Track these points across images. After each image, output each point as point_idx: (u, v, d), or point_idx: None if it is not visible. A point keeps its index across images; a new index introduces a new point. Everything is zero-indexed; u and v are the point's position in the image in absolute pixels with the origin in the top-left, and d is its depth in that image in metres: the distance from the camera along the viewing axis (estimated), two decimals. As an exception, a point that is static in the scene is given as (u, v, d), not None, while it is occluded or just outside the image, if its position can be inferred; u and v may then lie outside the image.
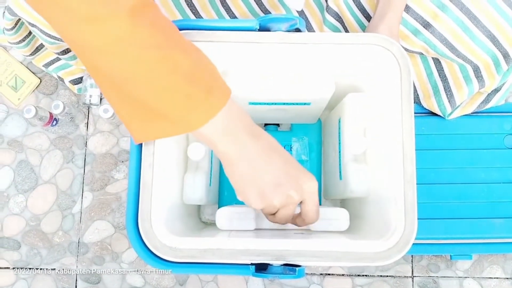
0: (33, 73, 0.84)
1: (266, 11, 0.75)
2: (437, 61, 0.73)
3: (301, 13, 0.75)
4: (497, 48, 0.66)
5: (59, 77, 0.81)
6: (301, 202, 0.51)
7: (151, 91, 0.42)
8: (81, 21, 0.39)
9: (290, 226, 0.60)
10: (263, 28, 0.53)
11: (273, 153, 0.48)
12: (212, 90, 0.44)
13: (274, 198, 0.48)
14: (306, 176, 0.49)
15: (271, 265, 0.49)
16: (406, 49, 0.69)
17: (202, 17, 0.74)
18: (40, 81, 0.84)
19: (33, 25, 0.64)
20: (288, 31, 0.53)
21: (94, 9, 0.38)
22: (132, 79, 0.42)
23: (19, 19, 0.69)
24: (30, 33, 0.73)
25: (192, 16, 0.74)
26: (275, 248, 0.48)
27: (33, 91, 0.84)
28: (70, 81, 0.81)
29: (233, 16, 0.75)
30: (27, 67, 0.84)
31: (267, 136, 0.49)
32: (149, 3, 0.42)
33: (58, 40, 0.66)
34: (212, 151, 0.68)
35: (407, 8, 0.66)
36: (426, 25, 0.66)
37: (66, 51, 0.74)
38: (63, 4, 0.38)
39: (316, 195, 0.50)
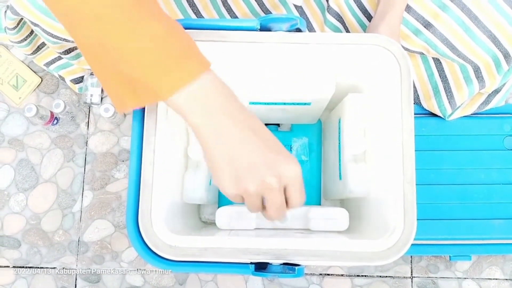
0: (34, 72, 0.84)
1: (267, 11, 0.75)
2: (437, 62, 0.74)
3: (302, 13, 0.75)
4: (498, 48, 0.66)
5: (60, 76, 0.81)
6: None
7: (124, 58, 0.43)
8: None
9: (290, 225, 0.61)
10: (264, 28, 0.53)
11: (252, 135, 0.44)
12: (185, 59, 0.43)
13: (248, 184, 0.44)
14: (286, 159, 0.45)
15: (271, 264, 0.49)
16: (406, 49, 0.69)
17: (203, 17, 0.74)
18: (41, 80, 0.84)
19: (36, 25, 0.64)
20: (289, 31, 0.53)
21: None
22: (108, 46, 0.42)
23: (21, 19, 0.69)
24: (31, 32, 0.73)
25: (194, 16, 0.74)
26: (274, 247, 0.49)
27: (34, 90, 0.84)
28: (71, 80, 0.81)
29: (234, 16, 0.76)
30: (28, 66, 0.85)
31: (249, 116, 0.45)
32: None
33: (61, 40, 0.66)
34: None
35: (408, 8, 0.66)
36: (427, 25, 0.66)
37: (69, 50, 0.74)
38: None
39: (297, 180, 0.46)
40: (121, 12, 0.41)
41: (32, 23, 0.65)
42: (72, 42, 0.67)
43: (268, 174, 0.44)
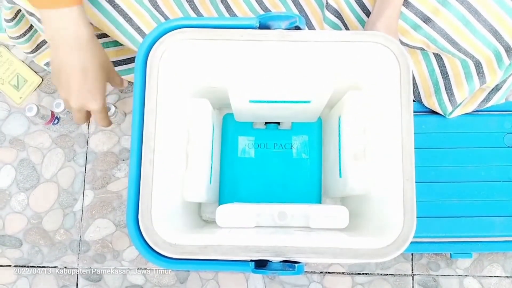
0: (35, 72, 0.85)
1: (266, 10, 0.75)
2: (439, 58, 0.73)
3: (301, 10, 0.75)
4: (499, 42, 0.66)
5: (60, 75, 0.82)
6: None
7: None
8: None
9: (290, 223, 0.61)
10: (263, 26, 0.53)
11: (78, 71, 0.62)
12: None
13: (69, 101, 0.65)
14: (94, 97, 0.64)
15: (271, 261, 0.49)
16: (406, 45, 0.69)
17: (202, 16, 0.74)
18: (42, 80, 0.85)
19: (31, 14, 0.65)
20: (288, 29, 0.53)
21: None
22: None
23: (19, 11, 0.69)
24: (31, 27, 0.73)
25: (193, 14, 0.74)
26: (274, 244, 0.49)
27: (35, 90, 0.84)
28: (71, 80, 0.82)
29: (233, 14, 0.76)
30: (29, 66, 0.85)
31: (84, 56, 0.61)
32: None
33: None
34: (212, 149, 0.68)
35: (407, 3, 0.66)
36: (426, 20, 0.66)
37: None
38: None
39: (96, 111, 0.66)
40: None
41: (27, 12, 0.65)
42: None
43: (73, 99, 0.64)
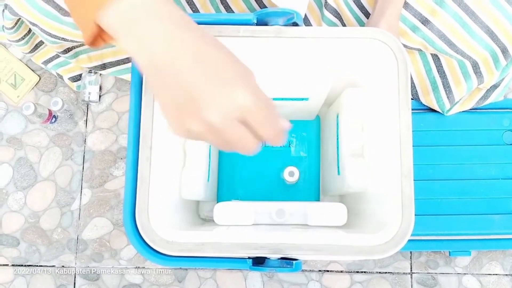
0: (33, 70, 0.84)
1: (263, 7, 0.75)
2: (435, 57, 0.73)
3: (299, 8, 0.75)
4: (496, 44, 0.66)
5: (58, 74, 0.81)
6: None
7: None
8: None
9: (288, 221, 0.61)
10: (260, 22, 0.53)
11: (191, 61, 0.37)
12: None
13: (190, 124, 0.38)
14: (233, 88, 0.37)
15: (268, 258, 0.49)
16: (405, 46, 0.69)
17: (199, 12, 0.74)
18: (40, 79, 0.84)
19: (34, 25, 0.64)
20: (286, 25, 0.53)
21: None
22: None
23: (19, 18, 0.69)
24: (29, 31, 0.73)
25: (190, 11, 0.74)
26: (272, 241, 0.48)
27: (33, 88, 0.84)
28: (69, 78, 0.81)
29: (231, 12, 0.75)
30: (26, 65, 0.84)
31: (192, 36, 0.38)
32: None
33: (60, 39, 0.66)
34: (210, 147, 0.68)
35: (406, 5, 0.66)
36: (425, 21, 0.66)
37: (67, 50, 0.74)
38: None
39: (254, 109, 0.38)
40: None
41: (30, 23, 0.64)
42: (71, 41, 0.67)
43: (209, 110, 0.37)
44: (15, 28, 0.70)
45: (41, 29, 0.65)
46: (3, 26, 0.69)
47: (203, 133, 0.38)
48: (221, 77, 0.38)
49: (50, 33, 0.65)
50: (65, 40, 0.66)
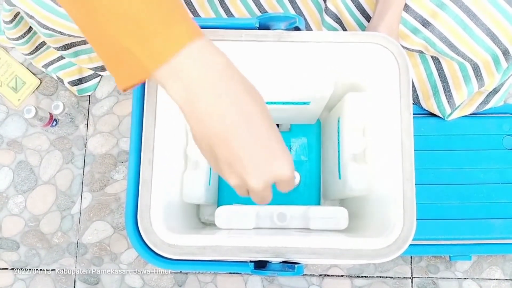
0: (34, 74, 0.84)
1: (264, 12, 0.75)
2: (436, 61, 0.74)
3: (300, 13, 0.76)
4: (497, 45, 0.66)
5: (58, 77, 0.81)
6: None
7: (110, 21, 0.38)
8: None
9: (289, 225, 0.60)
10: (262, 27, 0.53)
11: (243, 124, 0.39)
12: (168, 24, 0.37)
13: (229, 180, 0.42)
14: (279, 160, 0.40)
15: (270, 262, 0.49)
16: (406, 48, 0.70)
17: (200, 17, 0.75)
18: (41, 82, 0.84)
19: (31, 17, 0.64)
20: (287, 29, 0.53)
21: None
22: (95, 7, 0.38)
23: (18, 13, 0.69)
24: (30, 29, 0.73)
25: (191, 16, 0.74)
26: (274, 245, 0.48)
27: (33, 92, 0.84)
28: (69, 82, 0.81)
29: (231, 16, 0.76)
30: (27, 68, 0.85)
31: (242, 100, 0.39)
32: None
33: (56, 33, 0.66)
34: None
35: (406, 7, 0.66)
36: (426, 24, 0.66)
37: (67, 46, 0.74)
38: None
39: (286, 179, 0.42)
40: None
41: (27, 14, 0.64)
42: (68, 36, 0.67)
43: (253, 177, 0.40)
44: (14, 23, 0.70)
45: (38, 22, 0.65)
46: (2, 20, 0.70)
47: (237, 186, 0.42)
48: (272, 148, 0.41)
49: (47, 26, 0.65)
50: (61, 34, 0.66)
